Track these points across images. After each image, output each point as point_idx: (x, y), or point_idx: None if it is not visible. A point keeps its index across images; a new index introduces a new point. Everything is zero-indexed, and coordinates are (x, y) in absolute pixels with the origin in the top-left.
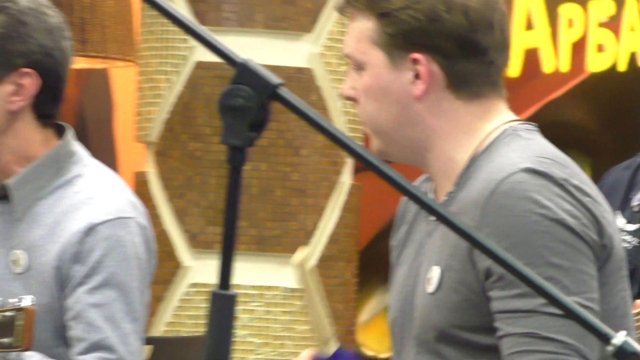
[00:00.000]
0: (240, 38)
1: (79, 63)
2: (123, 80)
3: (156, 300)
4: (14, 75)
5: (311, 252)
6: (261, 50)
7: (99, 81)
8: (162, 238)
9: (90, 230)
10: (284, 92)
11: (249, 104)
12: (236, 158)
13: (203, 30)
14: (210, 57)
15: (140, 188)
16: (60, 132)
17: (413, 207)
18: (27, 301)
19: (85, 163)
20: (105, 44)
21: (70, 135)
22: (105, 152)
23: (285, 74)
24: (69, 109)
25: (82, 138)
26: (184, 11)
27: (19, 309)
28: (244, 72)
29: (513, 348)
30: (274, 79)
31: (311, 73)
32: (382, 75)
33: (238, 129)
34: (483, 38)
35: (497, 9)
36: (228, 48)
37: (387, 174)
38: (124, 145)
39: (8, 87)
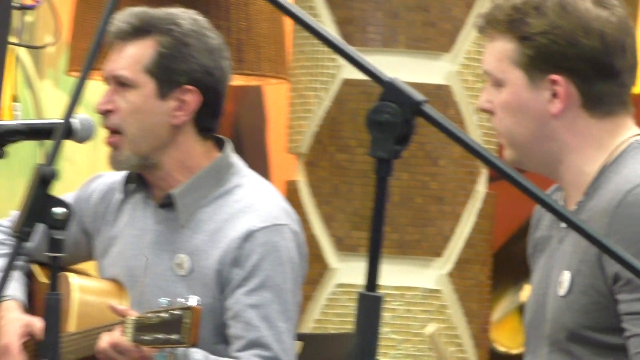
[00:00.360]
0: (384, 57)
1: (236, 80)
2: (276, 96)
3: (305, 299)
4: (177, 92)
5: (448, 258)
6: (403, 69)
7: (254, 97)
8: (311, 241)
9: (249, 236)
10: (428, 108)
11: (395, 119)
12: (382, 169)
13: (352, 50)
14: (356, 75)
15: (291, 196)
16: (219, 144)
17: (548, 216)
18: (193, 301)
19: (244, 174)
20: (260, 63)
21: (229, 148)
22: (259, 162)
23: (425, 90)
24: (226, 122)
25: (238, 149)
26: (332, 32)
27: (186, 308)
28: (390, 90)
29: None
30: (419, 96)
31: (449, 90)
32: (521, 93)
33: (385, 142)
34: (617, 61)
35: (630, 33)
36: (375, 67)
37: (521, 183)
38: (276, 156)
39: (172, 103)
